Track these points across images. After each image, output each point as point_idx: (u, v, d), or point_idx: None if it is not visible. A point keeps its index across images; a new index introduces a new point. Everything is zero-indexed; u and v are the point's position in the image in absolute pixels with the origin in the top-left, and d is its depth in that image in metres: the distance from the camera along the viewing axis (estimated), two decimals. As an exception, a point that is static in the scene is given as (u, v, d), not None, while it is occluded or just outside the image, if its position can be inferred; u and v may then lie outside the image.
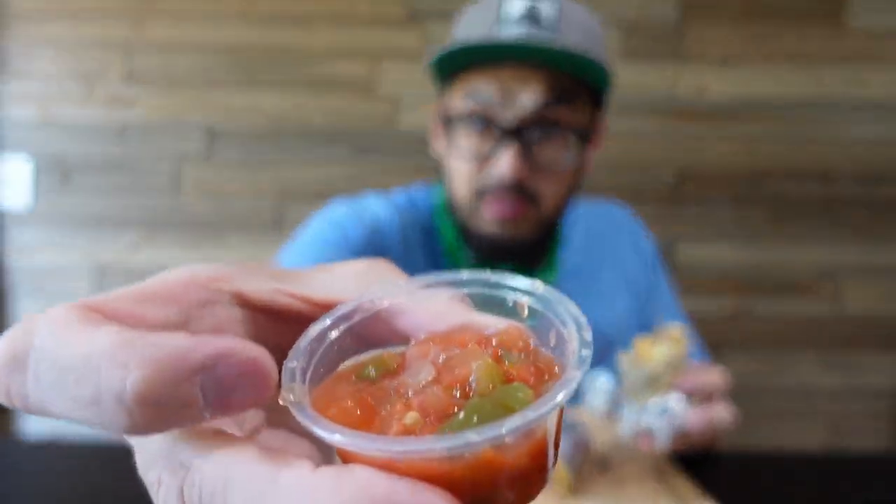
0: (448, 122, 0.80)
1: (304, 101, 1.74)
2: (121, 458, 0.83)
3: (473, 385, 0.21)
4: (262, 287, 0.24)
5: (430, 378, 0.21)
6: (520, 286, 0.25)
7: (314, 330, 0.24)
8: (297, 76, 1.74)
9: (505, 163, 0.74)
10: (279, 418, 0.25)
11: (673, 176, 1.75)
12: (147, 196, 1.75)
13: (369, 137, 1.74)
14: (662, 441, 0.58)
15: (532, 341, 0.23)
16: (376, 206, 0.93)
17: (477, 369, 0.21)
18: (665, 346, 0.60)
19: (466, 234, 0.83)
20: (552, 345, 0.24)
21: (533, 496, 0.21)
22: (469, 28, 0.80)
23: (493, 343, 0.23)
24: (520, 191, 0.76)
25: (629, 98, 1.73)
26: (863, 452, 1.73)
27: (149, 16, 1.73)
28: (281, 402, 0.21)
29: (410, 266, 0.75)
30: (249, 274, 0.24)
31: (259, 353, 0.19)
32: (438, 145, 0.89)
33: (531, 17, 0.75)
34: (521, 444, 0.20)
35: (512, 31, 0.75)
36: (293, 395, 0.21)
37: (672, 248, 1.75)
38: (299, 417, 0.20)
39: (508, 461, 0.19)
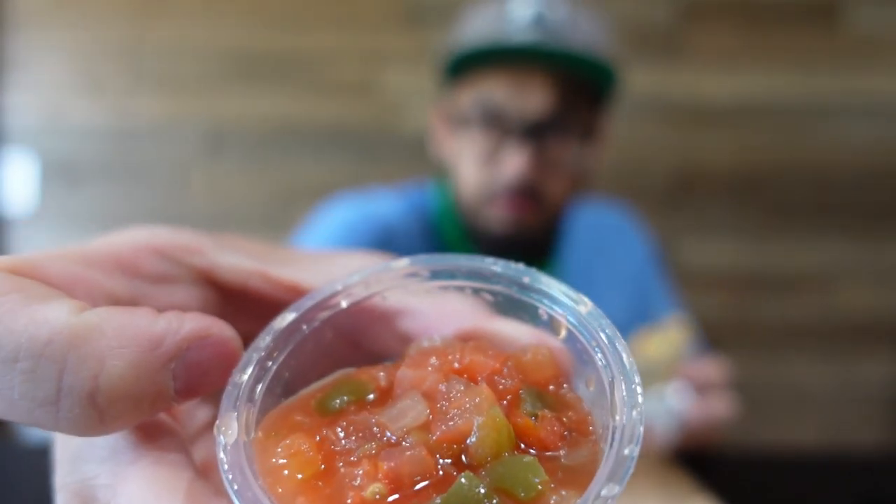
0: (456, 121, 0.81)
1: (308, 103, 1.74)
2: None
3: (472, 449, 0.15)
4: (239, 265, 0.20)
5: (417, 424, 0.16)
6: (560, 297, 0.19)
7: (280, 323, 0.18)
8: (300, 80, 1.74)
9: (516, 162, 0.75)
10: None
11: (672, 177, 1.74)
12: (153, 198, 1.75)
13: (371, 139, 1.74)
14: (661, 433, 0.58)
15: (565, 376, 0.18)
16: (382, 204, 0.94)
17: (480, 429, 0.15)
18: (664, 338, 0.60)
19: (472, 231, 0.84)
20: (590, 388, 0.18)
21: None
22: (477, 31, 0.81)
23: (513, 374, 0.17)
24: (527, 189, 0.77)
25: (628, 100, 1.73)
26: (860, 450, 1.72)
27: (155, 20, 1.74)
28: (215, 434, 0.17)
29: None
30: (225, 248, 0.21)
31: (231, 335, 0.17)
32: (442, 145, 0.90)
33: (539, 22, 0.76)
34: None
35: (522, 36, 0.76)
36: (229, 432, 0.16)
37: (671, 248, 1.74)
38: (224, 480, 0.16)
39: None
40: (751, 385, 1.78)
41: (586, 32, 0.79)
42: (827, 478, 0.81)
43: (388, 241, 0.88)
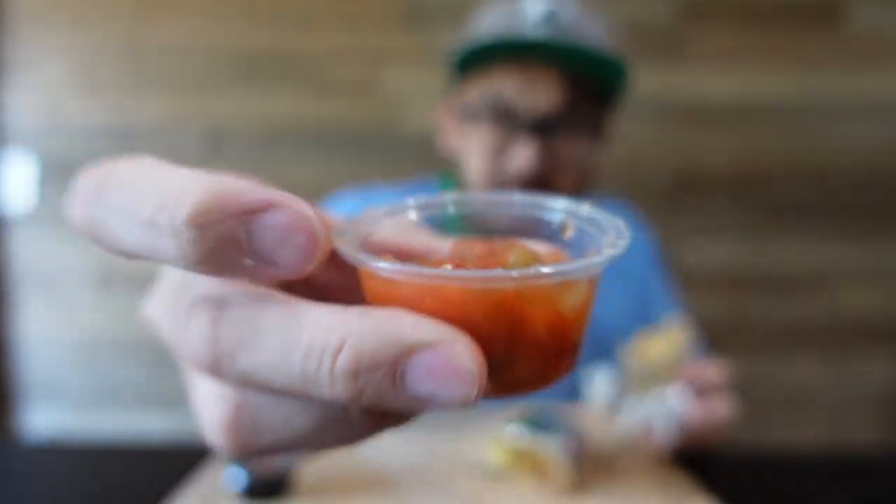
0: (465, 115, 0.82)
1: (307, 103, 1.74)
2: (120, 459, 0.83)
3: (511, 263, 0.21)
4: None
5: (473, 254, 0.22)
6: (560, 206, 0.25)
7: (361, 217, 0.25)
8: (299, 79, 1.74)
9: (525, 156, 0.76)
10: None
11: (672, 177, 1.74)
12: (151, 198, 1.75)
13: (371, 140, 1.74)
14: (662, 435, 0.58)
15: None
16: (385, 196, 0.96)
17: (514, 254, 0.21)
18: (666, 340, 0.60)
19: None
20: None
21: (549, 378, 0.20)
22: (489, 26, 0.82)
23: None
24: (536, 184, 0.78)
25: (629, 97, 1.73)
26: (861, 451, 1.72)
27: (153, 19, 1.74)
28: (333, 244, 0.21)
29: None
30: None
31: (313, 217, 0.20)
32: (450, 139, 0.91)
33: (551, 20, 0.77)
34: (551, 308, 0.19)
35: (533, 32, 0.77)
36: (344, 241, 0.22)
37: (672, 247, 1.74)
38: (347, 253, 0.21)
39: (535, 318, 0.19)
40: (751, 385, 1.78)
41: (597, 31, 0.80)
42: (827, 478, 0.81)
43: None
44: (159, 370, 1.76)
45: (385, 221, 0.25)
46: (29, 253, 1.76)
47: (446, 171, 0.98)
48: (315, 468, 0.67)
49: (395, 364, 0.17)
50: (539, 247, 0.23)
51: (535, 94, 0.77)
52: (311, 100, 1.74)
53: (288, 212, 0.19)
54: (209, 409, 0.22)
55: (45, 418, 1.78)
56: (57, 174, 1.75)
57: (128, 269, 1.76)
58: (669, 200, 1.75)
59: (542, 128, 0.77)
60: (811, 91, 1.73)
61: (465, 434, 0.78)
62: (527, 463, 0.62)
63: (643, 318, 1.00)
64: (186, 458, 0.72)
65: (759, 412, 1.76)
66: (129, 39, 1.74)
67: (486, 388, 0.18)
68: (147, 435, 1.75)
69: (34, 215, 1.75)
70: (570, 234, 0.24)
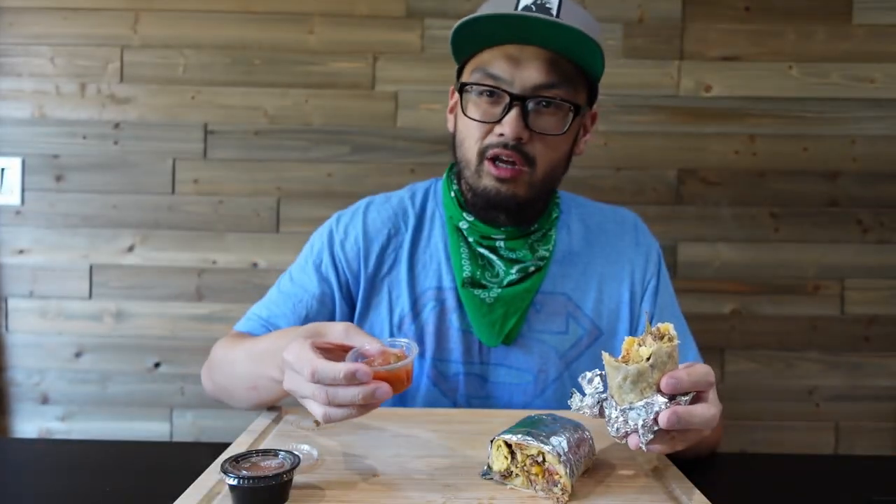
0: (462, 92, 0.92)
1: (302, 99, 1.73)
2: (113, 456, 0.82)
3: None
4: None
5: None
6: None
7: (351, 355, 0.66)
8: (294, 74, 1.72)
9: (509, 124, 0.86)
10: None
11: (675, 175, 1.74)
12: (142, 195, 1.73)
13: (368, 135, 1.73)
14: (647, 439, 0.58)
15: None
16: (389, 197, 1.06)
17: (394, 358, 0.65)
18: (653, 345, 0.60)
19: (471, 193, 0.94)
20: None
21: (402, 389, 0.64)
22: (484, 11, 0.89)
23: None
24: (519, 151, 0.88)
25: (630, 97, 1.73)
26: (864, 452, 1.73)
27: (144, 13, 1.71)
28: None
29: (424, 236, 0.99)
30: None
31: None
32: (453, 122, 0.99)
33: (540, 5, 0.86)
34: (403, 375, 0.64)
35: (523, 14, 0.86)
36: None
37: (673, 247, 1.74)
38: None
39: (401, 375, 0.63)
40: (754, 387, 1.79)
41: (582, 18, 0.89)
42: (829, 479, 0.81)
43: (401, 213, 1.02)
44: (148, 372, 1.74)
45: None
46: (17, 250, 1.73)
47: (451, 167, 1.02)
48: (315, 470, 0.66)
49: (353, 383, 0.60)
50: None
51: (521, 69, 0.87)
52: (308, 96, 1.73)
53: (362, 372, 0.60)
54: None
55: (33, 424, 1.75)
56: (46, 171, 1.72)
57: (118, 266, 1.73)
58: (672, 198, 1.73)
59: (526, 101, 0.87)
60: (816, 87, 1.72)
61: (465, 437, 0.77)
62: (528, 466, 0.62)
63: (638, 321, 1.00)
64: (186, 457, 0.71)
65: (761, 413, 1.76)
66: (119, 35, 1.71)
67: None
68: (137, 437, 1.73)
69: (23, 212, 1.73)
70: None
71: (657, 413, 0.57)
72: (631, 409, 0.58)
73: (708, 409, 0.59)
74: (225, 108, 1.73)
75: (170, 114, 1.73)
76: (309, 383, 0.61)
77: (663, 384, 0.58)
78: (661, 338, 0.60)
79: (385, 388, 0.60)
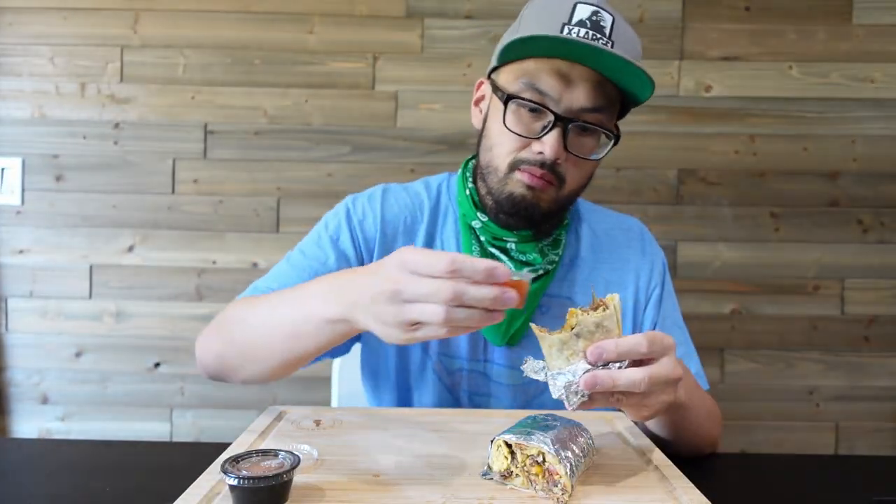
0: (502, 96, 0.89)
1: (302, 99, 1.73)
2: (113, 456, 0.81)
3: None
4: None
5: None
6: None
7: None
8: (294, 74, 1.72)
9: (550, 145, 0.85)
10: None
11: (675, 175, 1.74)
12: (142, 195, 1.73)
13: (368, 135, 1.73)
14: (573, 402, 0.62)
15: None
16: (406, 187, 1.04)
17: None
18: (596, 312, 0.62)
19: (491, 198, 0.92)
20: None
21: (520, 306, 0.59)
22: (540, 21, 0.87)
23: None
24: (552, 169, 0.87)
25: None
26: (866, 454, 1.72)
27: (144, 13, 1.71)
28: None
29: (438, 230, 0.98)
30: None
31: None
32: (482, 116, 0.97)
33: (594, 22, 0.84)
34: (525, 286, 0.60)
35: (578, 32, 0.83)
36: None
37: (673, 247, 1.74)
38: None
39: (523, 290, 0.59)
40: (754, 386, 1.79)
41: (628, 42, 0.86)
42: (829, 479, 0.81)
43: (418, 204, 1.01)
44: (147, 372, 1.74)
45: None
46: (17, 249, 1.73)
47: (467, 160, 1.03)
48: (315, 470, 0.66)
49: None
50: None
51: (570, 89, 0.85)
52: (308, 95, 1.73)
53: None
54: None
55: (33, 424, 1.75)
56: (46, 171, 1.72)
57: (118, 266, 1.73)
58: (672, 198, 1.73)
59: (569, 123, 0.85)
60: (816, 87, 1.72)
61: (465, 437, 0.77)
62: (528, 466, 0.62)
63: (640, 325, 1.00)
64: (186, 457, 0.71)
65: (761, 413, 1.76)
66: (120, 35, 1.71)
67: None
68: (136, 437, 1.73)
69: (23, 212, 1.73)
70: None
71: (577, 377, 0.61)
72: (559, 374, 0.62)
73: (636, 373, 0.61)
74: (225, 108, 1.73)
75: (170, 114, 1.73)
76: (432, 280, 0.57)
77: (588, 353, 0.61)
78: (597, 308, 0.63)
79: (513, 294, 0.56)
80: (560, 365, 0.63)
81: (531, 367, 0.66)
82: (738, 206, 1.74)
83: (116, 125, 1.73)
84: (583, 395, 0.61)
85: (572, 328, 0.62)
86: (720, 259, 1.74)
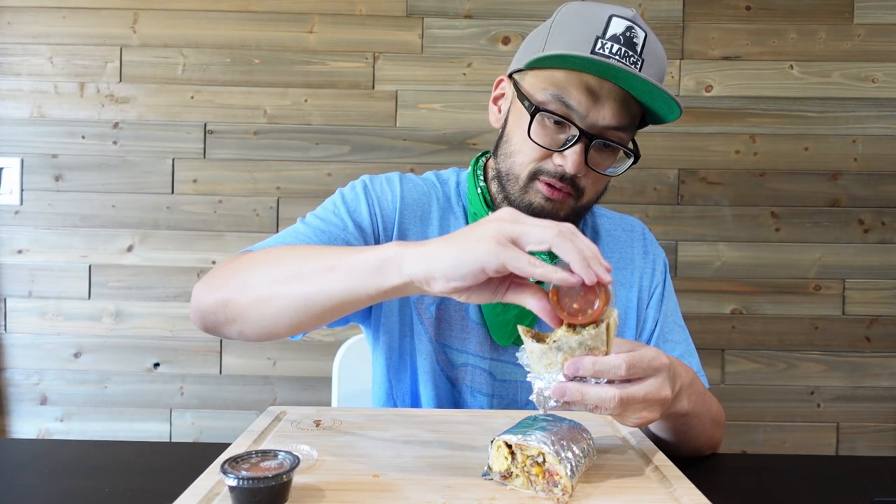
0: (526, 103, 0.88)
1: (302, 98, 1.73)
2: (112, 456, 0.81)
3: None
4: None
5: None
6: None
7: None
8: (294, 74, 1.72)
9: (573, 160, 0.85)
10: None
11: (675, 175, 1.74)
12: (141, 195, 1.73)
13: (367, 135, 1.73)
14: (547, 406, 0.63)
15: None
16: (421, 177, 1.04)
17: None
18: (571, 336, 0.62)
19: (513, 204, 0.92)
20: None
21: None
22: (573, 31, 0.86)
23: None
24: (571, 182, 0.87)
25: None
26: (867, 455, 1.72)
27: (143, 12, 1.71)
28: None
29: (449, 222, 0.97)
30: None
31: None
32: (501, 116, 0.97)
33: (628, 39, 0.83)
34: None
35: (611, 48, 0.83)
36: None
37: (674, 247, 1.74)
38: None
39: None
40: (754, 387, 1.79)
41: (657, 60, 0.86)
42: (830, 479, 0.80)
43: (433, 196, 1.00)
44: (147, 372, 1.74)
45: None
46: (16, 249, 1.73)
47: (478, 157, 1.02)
48: (315, 470, 0.66)
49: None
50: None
51: (598, 106, 0.84)
52: (308, 95, 1.72)
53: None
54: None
55: (32, 424, 1.75)
56: (45, 171, 1.72)
57: (117, 265, 1.73)
58: (672, 198, 1.73)
59: (593, 139, 0.85)
60: (818, 87, 1.72)
61: (465, 437, 0.77)
62: (528, 467, 0.61)
63: (641, 325, 1.00)
64: (186, 458, 0.71)
65: (762, 413, 1.76)
66: (119, 34, 1.71)
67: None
68: (136, 437, 1.73)
69: (22, 212, 1.72)
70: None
71: (549, 386, 0.62)
72: (537, 377, 0.63)
73: (606, 391, 0.61)
74: (224, 107, 1.72)
75: (169, 113, 1.72)
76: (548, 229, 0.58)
77: (565, 367, 0.62)
78: (587, 325, 0.62)
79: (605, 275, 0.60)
80: (539, 370, 0.63)
81: (523, 360, 0.66)
82: (738, 205, 1.74)
83: (115, 125, 1.72)
84: (556, 402, 0.62)
85: (555, 341, 0.62)
86: (721, 259, 1.74)
